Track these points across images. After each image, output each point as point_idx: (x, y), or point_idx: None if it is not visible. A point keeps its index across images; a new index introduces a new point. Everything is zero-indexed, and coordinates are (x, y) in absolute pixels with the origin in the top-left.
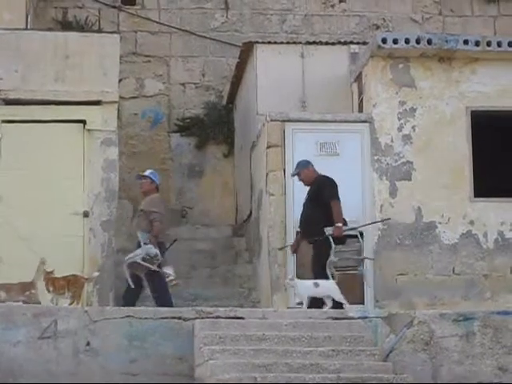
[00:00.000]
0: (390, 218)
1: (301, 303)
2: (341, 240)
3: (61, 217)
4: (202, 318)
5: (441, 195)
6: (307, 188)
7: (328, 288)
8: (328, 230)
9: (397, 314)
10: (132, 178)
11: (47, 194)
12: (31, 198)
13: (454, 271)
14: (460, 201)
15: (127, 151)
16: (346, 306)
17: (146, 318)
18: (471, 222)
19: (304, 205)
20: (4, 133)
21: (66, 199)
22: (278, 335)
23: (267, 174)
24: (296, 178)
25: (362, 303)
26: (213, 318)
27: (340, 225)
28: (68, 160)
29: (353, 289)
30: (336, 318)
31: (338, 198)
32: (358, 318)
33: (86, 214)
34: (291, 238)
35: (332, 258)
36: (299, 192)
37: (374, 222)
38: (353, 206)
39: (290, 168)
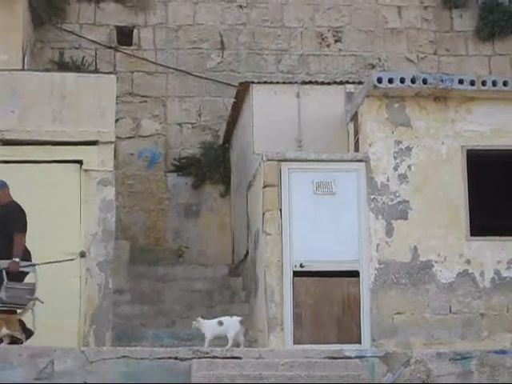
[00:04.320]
0: (73, 259)
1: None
2: (17, 276)
3: (57, 257)
4: (199, 358)
5: (437, 234)
6: (305, 228)
7: (230, 326)
8: (2, 264)
9: (394, 353)
10: (129, 218)
11: (44, 234)
12: (28, 238)
13: (450, 310)
14: (456, 240)
15: (124, 191)
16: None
17: (142, 359)
18: (468, 261)
19: None
20: (1, 173)
21: (62, 239)
22: (275, 375)
23: (264, 214)
24: None
25: (359, 342)
26: (210, 357)
27: (17, 260)
28: (64, 200)
29: (350, 328)
30: (333, 358)
31: (24, 231)
32: (355, 357)
33: (82, 255)
34: (288, 278)
35: (1, 294)
36: (296, 232)
37: (57, 261)
38: (349, 245)
39: (287, 207)
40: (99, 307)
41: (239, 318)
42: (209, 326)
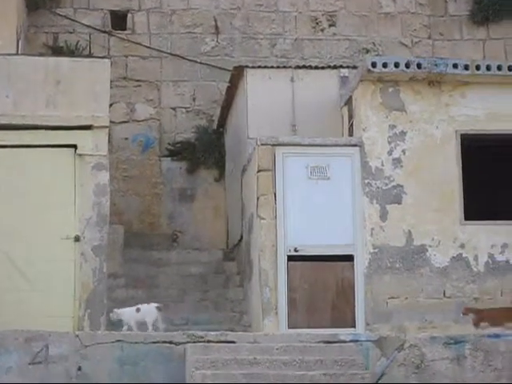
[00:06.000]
0: None
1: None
2: None
3: (52, 241)
4: (194, 342)
5: (431, 218)
6: (299, 212)
7: (148, 313)
8: None
9: (388, 337)
10: (124, 203)
11: (38, 219)
12: (22, 223)
13: (444, 294)
14: (450, 224)
15: (118, 175)
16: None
17: (137, 343)
18: (462, 245)
19: None
20: None
21: (57, 224)
22: (270, 359)
23: (258, 198)
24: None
25: (354, 326)
26: (204, 342)
27: None
28: (59, 185)
29: (344, 312)
30: (327, 342)
31: None
32: (350, 341)
33: (77, 239)
34: (282, 262)
35: None
36: (290, 216)
37: None
38: (343, 229)
39: (281, 192)
40: (94, 291)
41: (156, 305)
42: (128, 314)
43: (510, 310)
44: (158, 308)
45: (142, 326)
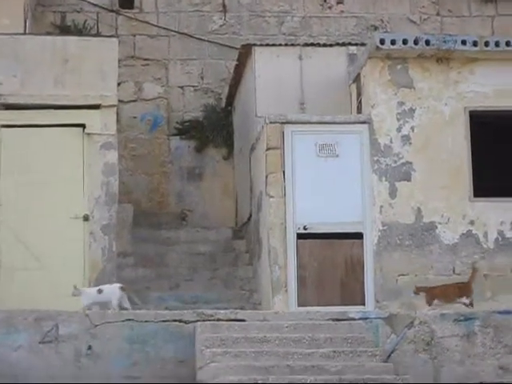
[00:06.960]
0: None
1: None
2: None
3: (61, 221)
4: (203, 320)
5: (440, 195)
6: (308, 190)
7: (111, 293)
8: None
9: (397, 314)
10: (132, 182)
11: (47, 198)
12: (31, 202)
13: (454, 271)
14: (459, 201)
15: (127, 154)
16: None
17: (146, 322)
18: (471, 222)
19: None
20: (3, 137)
21: (65, 203)
22: (279, 337)
23: (267, 176)
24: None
25: (363, 304)
26: (214, 320)
27: None
28: (68, 164)
29: (353, 290)
30: (337, 320)
31: None
32: (359, 318)
33: (86, 218)
34: (291, 240)
35: None
36: (299, 194)
37: None
38: (353, 207)
39: (290, 170)
40: (103, 271)
41: (119, 285)
42: (88, 295)
43: (461, 285)
44: (121, 288)
45: (104, 307)
